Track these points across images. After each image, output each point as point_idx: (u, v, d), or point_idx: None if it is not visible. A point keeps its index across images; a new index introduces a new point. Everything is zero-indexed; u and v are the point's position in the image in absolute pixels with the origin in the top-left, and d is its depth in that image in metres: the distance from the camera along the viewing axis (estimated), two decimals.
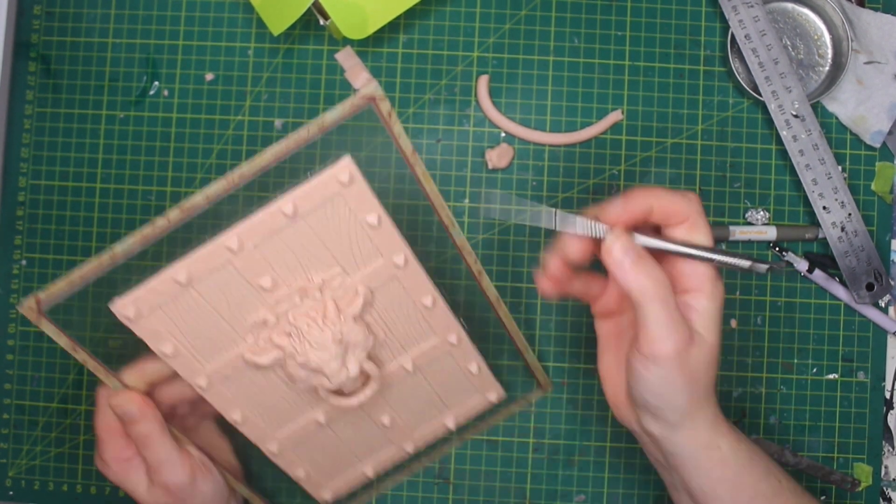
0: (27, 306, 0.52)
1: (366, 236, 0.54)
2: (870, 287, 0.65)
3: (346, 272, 0.55)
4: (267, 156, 0.50)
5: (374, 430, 0.63)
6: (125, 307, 0.52)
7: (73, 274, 0.51)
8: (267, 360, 0.55)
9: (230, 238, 0.52)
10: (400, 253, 0.55)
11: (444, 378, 0.62)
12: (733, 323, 0.67)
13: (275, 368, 0.57)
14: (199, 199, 0.50)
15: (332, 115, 0.50)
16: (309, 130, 0.50)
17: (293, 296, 0.54)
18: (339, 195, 0.52)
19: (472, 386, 0.63)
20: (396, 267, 0.55)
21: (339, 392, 0.57)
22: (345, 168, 0.51)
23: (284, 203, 0.51)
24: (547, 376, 0.66)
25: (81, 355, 0.54)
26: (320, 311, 0.54)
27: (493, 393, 0.64)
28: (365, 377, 0.57)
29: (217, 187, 0.50)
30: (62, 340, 0.54)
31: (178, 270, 0.52)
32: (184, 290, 0.53)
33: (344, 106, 0.49)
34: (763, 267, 0.52)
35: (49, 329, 0.53)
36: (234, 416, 0.58)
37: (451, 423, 0.64)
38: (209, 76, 0.68)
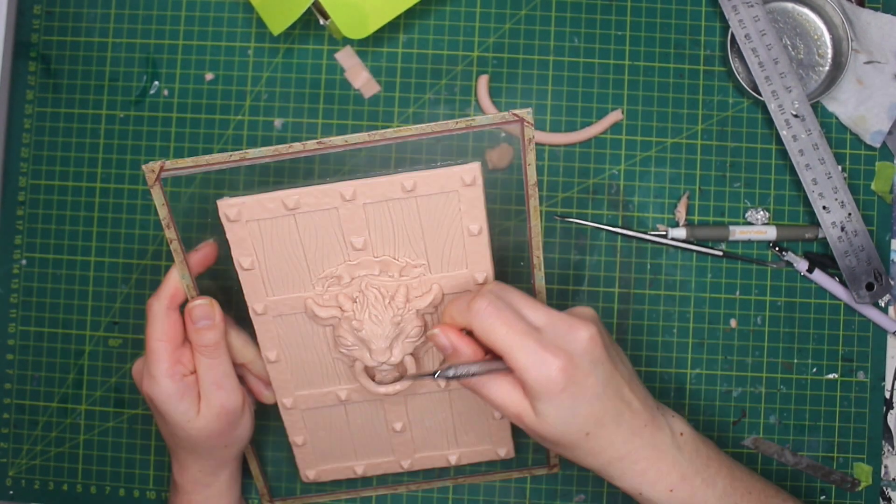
0: (150, 167, 0.55)
1: (461, 242, 0.57)
2: (870, 287, 0.65)
3: (430, 268, 0.58)
4: (412, 129, 0.54)
5: (383, 432, 0.63)
6: (230, 206, 0.56)
7: (201, 157, 0.55)
8: (325, 314, 0.58)
9: (347, 187, 0.55)
10: (483, 272, 0.58)
11: (467, 412, 0.63)
12: (733, 323, 0.67)
13: (326, 328, 0.59)
14: (338, 140, 0.54)
15: (482, 120, 0.54)
16: (457, 123, 0.54)
17: (374, 266, 0.57)
18: (457, 192, 0.56)
19: (488, 432, 0.64)
20: (476, 283, 0.58)
21: (371, 376, 0.60)
22: (471, 171, 0.55)
23: (407, 178, 0.55)
24: (559, 459, 0.67)
25: (171, 233, 0.57)
26: (391, 291, 0.57)
27: (504, 448, 0.65)
28: (400, 372, 0.60)
29: (357, 137, 0.54)
30: (163, 211, 0.56)
31: (291, 195, 0.55)
32: (287, 215, 0.56)
33: (496, 116, 0.54)
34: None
35: (157, 195, 0.56)
36: (270, 353, 0.60)
37: (453, 459, 0.64)
38: (209, 76, 0.68)
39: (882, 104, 0.66)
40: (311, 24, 0.68)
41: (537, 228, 0.58)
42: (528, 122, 0.54)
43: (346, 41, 0.68)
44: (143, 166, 0.55)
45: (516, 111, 0.54)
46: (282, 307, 0.59)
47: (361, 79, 0.68)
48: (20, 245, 0.69)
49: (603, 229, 0.67)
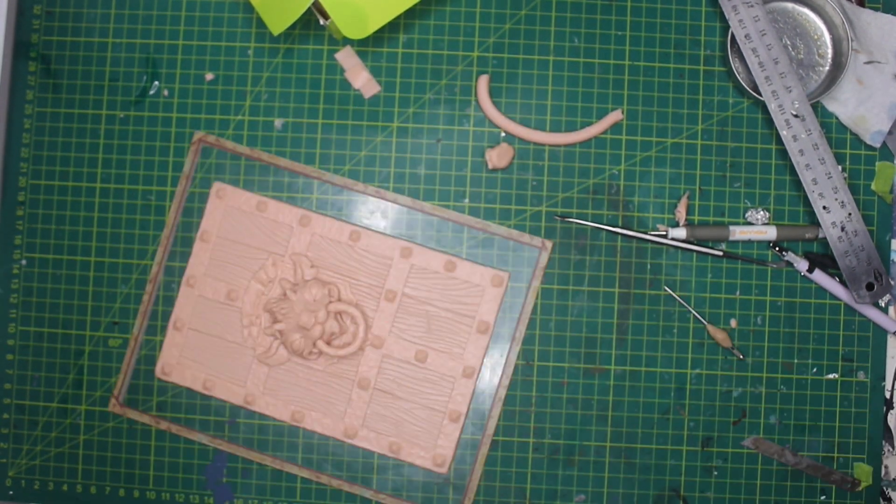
0: (112, 404, 0.68)
1: (268, 220, 0.67)
2: (870, 287, 0.65)
3: (279, 253, 0.67)
4: (169, 224, 0.67)
5: (345, 389, 0.67)
6: (161, 371, 0.68)
7: (122, 366, 0.68)
8: (272, 348, 0.66)
9: (185, 279, 0.68)
10: (301, 215, 0.67)
11: (424, 395, 0.67)
12: (733, 323, 0.67)
13: (293, 360, 0.67)
14: (155, 267, 0.67)
15: (188, 166, 0.68)
16: (181, 186, 0.68)
17: (254, 288, 0.67)
18: (230, 206, 0.67)
19: (434, 435, 0.67)
20: (303, 226, 0.67)
21: (346, 346, 0.66)
22: (218, 190, 0.67)
23: (200, 236, 0.68)
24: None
25: (165, 424, 0.68)
26: (279, 291, 0.67)
27: (440, 457, 0.67)
28: (351, 320, 0.66)
29: (158, 255, 0.68)
30: (144, 418, 0.68)
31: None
32: (183, 333, 0.67)
33: (188, 156, 0.68)
34: None
35: (134, 415, 0.68)
36: (286, 414, 0.67)
37: (393, 448, 0.67)
38: (209, 76, 0.68)
39: (882, 104, 0.66)
40: (311, 24, 0.68)
41: (286, 162, 0.67)
42: (202, 138, 0.68)
43: (346, 41, 0.68)
44: (111, 407, 0.67)
45: (192, 141, 0.68)
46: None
47: (361, 79, 0.68)
48: (20, 245, 0.69)
49: (603, 229, 0.67)
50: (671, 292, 0.67)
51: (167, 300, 0.68)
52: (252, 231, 0.67)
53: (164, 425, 0.67)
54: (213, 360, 0.67)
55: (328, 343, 0.66)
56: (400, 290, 0.67)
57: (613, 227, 0.67)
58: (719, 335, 0.67)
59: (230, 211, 0.67)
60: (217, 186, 0.67)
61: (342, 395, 0.67)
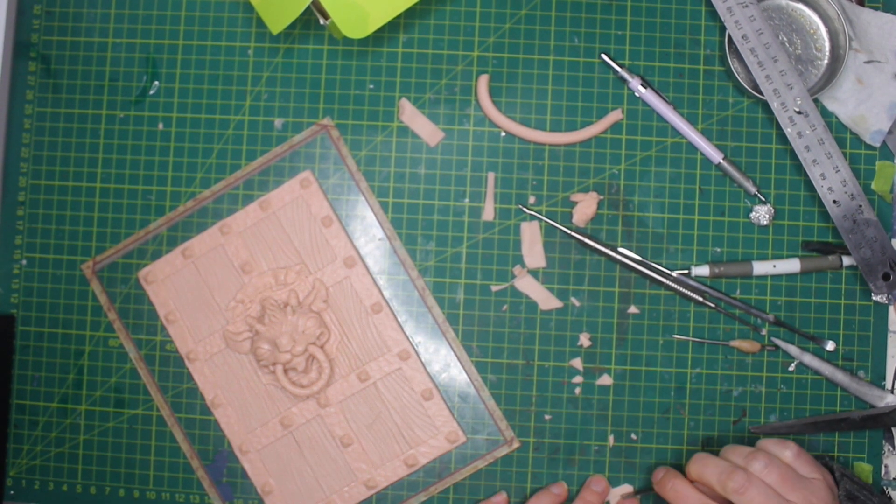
0: (86, 265, 0.68)
1: (322, 237, 0.67)
2: (886, 277, 0.64)
3: (309, 269, 0.67)
4: (255, 163, 0.68)
5: (334, 450, 0.67)
6: (146, 273, 0.68)
7: (118, 244, 0.68)
8: (242, 335, 0.66)
9: (222, 225, 0.68)
10: (349, 253, 0.67)
11: (400, 405, 0.67)
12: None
13: (250, 358, 0.67)
14: (207, 192, 0.68)
15: (299, 137, 0.68)
16: (282, 147, 0.68)
17: (266, 278, 0.67)
18: (301, 198, 0.67)
19: (431, 423, 0.67)
20: (347, 267, 0.66)
21: (299, 386, 0.66)
22: (305, 178, 0.67)
23: (261, 201, 0.68)
24: (512, 431, 0.67)
25: (112, 315, 0.68)
26: (283, 298, 0.66)
27: (453, 434, 0.66)
28: (317, 371, 0.66)
29: (219, 185, 0.67)
30: (102, 298, 0.68)
31: (185, 248, 0.68)
32: (188, 265, 0.67)
33: (308, 131, 0.68)
34: None
35: (96, 286, 0.68)
36: (213, 398, 0.67)
37: (411, 462, 0.67)
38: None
39: (882, 103, 0.66)
40: (311, 23, 0.68)
41: (377, 205, 0.67)
42: (330, 126, 0.67)
43: (347, 41, 0.68)
44: (83, 266, 0.68)
45: (320, 122, 0.67)
46: (209, 348, 0.67)
47: (427, 129, 0.68)
48: (20, 245, 0.69)
49: (617, 260, 0.67)
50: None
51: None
52: (303, 237, 0.67)
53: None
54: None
55: (285, 372, 0.66)
56: (375, 378, 0.67)
57: (628, 253, 0.67)
58: (745, 345, 0.67)
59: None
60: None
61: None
